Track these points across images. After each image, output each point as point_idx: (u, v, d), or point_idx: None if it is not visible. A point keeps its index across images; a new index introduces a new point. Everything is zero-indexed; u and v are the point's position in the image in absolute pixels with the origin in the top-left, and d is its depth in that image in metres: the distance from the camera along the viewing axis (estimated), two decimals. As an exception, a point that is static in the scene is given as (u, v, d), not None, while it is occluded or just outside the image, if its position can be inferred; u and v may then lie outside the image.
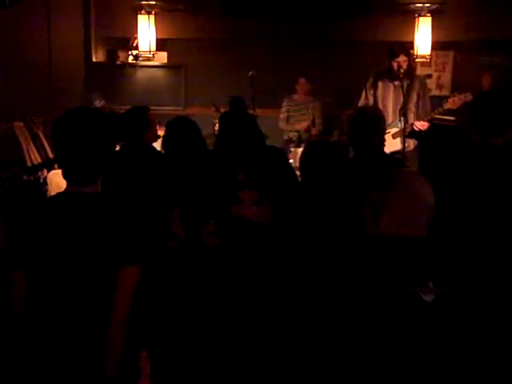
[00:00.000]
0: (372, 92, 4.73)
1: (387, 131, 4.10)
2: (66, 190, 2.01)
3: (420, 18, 6.93)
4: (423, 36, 6.89)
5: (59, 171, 3.45)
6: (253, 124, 3.15)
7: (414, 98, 4.77)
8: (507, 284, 2.57)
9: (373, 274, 1.80)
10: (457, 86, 7.14)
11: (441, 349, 1.75)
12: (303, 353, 2.11)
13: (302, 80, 6.40)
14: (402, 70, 4.57)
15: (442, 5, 6.94)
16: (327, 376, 1.96)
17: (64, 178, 2.02)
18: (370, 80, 4.83)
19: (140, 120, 3.45)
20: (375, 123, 3.19)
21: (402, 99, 4.43)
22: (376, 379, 1.75)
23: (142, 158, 3.40)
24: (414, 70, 5.15)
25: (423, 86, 4.94)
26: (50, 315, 1.97)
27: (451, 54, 7.28)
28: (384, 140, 3.32)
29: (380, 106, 4.68)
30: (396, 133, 4.60)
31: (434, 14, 6.92)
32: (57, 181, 3.81)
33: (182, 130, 3.29)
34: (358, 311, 1.79)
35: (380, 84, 4.81)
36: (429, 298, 1.74)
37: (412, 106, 4.74)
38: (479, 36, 6.88)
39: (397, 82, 4.65)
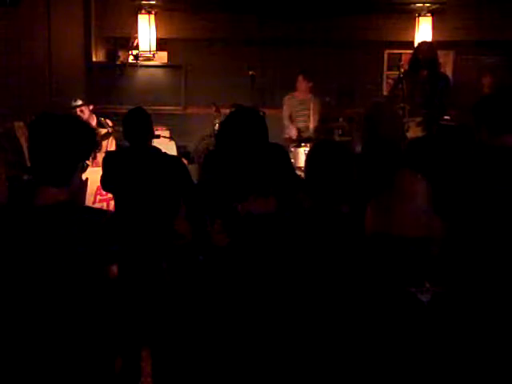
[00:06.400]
0: (400, 86, 5.15)
1: (412, 119, 4.89)
2: (37, 200, 2.00)
3: (420, 18, 6.94)
4: (423, 36, 6.89)
5: (94, 169, 3.45)
6: (261, 121, 3.09)
7: (437, 93, 5.16)
8: (505, 285, 2.56)
9: (371, 274, 1.80)
10: (457, 86, 7.16)
11: (437, 347, 1.75)
12: (303, 349, 2.11)
13: (300, 77, 6.39)
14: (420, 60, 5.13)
15: (442, 5, 6.94)
16: (325, 374, 1.96)
17: (35, 178, 2.03)
18: (399, 74, 5.29)
19: (146, 121, 3.43)
20: (389, 118, 3.17)
21: (426, 92, 5.03)
22: (373, 377, 1.75)
23: (147, 158, 3.39)
24: (439, 67, 5.41)
25: (445, 83, 5.34)
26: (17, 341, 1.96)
27: (451, 53, 7.28)
28: (400, 135, 3.41)
29: (407, 98, 5.13)
30: (420, 121, 5.07)
31: (434, 13, 6.93)
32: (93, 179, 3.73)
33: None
34: (355, 310, 1.79)
35: (408, 78, 5.21)
36: (425, 297, 1.74)
37: (435, 101, 5.12)
38: (480, 36, 6.89)
39: (422, 76, 5.15)
